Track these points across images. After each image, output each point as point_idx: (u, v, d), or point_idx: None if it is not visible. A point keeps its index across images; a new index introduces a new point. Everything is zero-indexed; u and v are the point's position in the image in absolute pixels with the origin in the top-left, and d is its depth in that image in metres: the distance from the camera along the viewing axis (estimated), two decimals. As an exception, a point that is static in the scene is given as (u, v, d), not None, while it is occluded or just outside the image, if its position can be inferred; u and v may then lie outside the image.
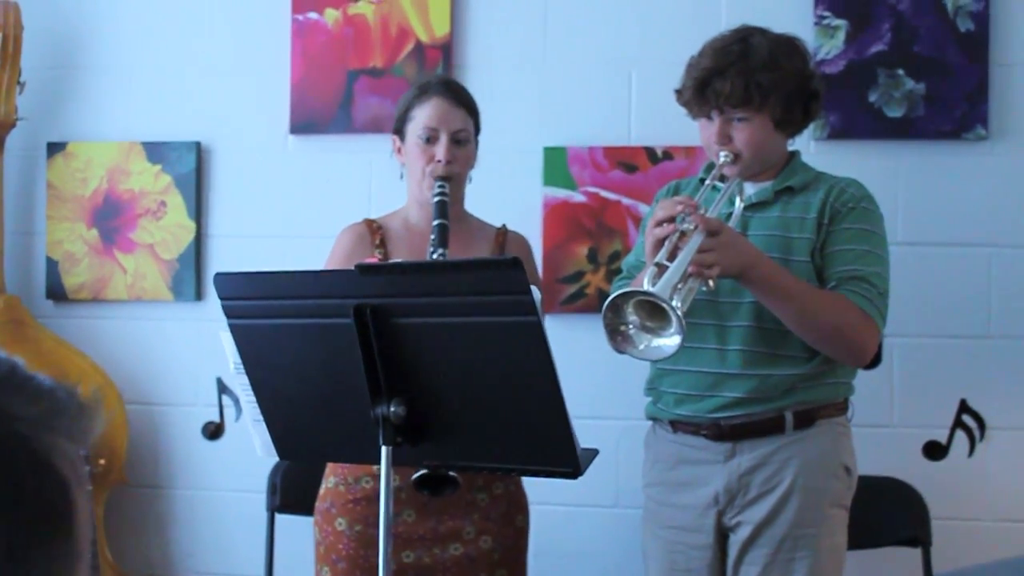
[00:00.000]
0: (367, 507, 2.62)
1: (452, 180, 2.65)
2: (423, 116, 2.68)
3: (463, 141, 2.69)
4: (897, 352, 3.25)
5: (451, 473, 2.27)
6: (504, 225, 2.83)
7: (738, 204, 2.53)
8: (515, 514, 2.70)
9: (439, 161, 2.65)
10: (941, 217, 3.29)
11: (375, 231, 2.77)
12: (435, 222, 2.55)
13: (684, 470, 2.58)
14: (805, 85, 2.55)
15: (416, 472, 2.25)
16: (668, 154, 3.38)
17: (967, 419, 3.24)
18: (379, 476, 2.56)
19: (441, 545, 2.62)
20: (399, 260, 2.65)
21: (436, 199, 2.59)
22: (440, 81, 2.76)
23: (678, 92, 2.61)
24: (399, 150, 2.76)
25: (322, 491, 2.72)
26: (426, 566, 2.61)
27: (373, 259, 2.68)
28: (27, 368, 0.77)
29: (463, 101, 2.72)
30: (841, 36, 3.32)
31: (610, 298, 2.23)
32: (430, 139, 2.67)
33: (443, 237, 2.51)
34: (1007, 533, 3.24)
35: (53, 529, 0.75)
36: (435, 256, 2.49)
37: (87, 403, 0.79)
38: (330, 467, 2.72)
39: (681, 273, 2.24)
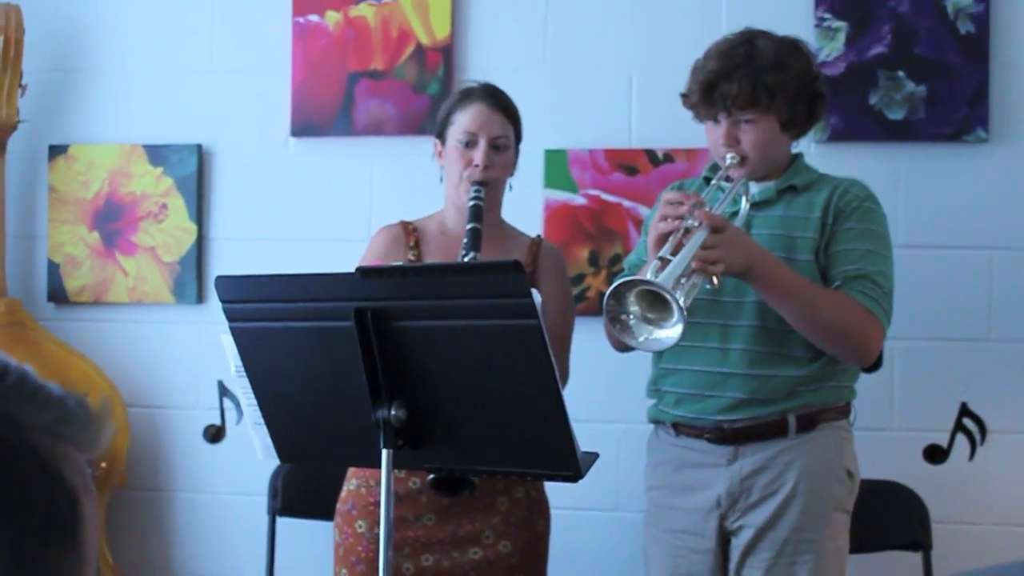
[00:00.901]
0: None
1: (489, 185, 2.65)
2: (463, 121, 2.68)
3: (502, 147, 2.69)
4: (898, 355, 3.24)
5: (469, 476, 2.27)
6: (539, 235, 2.84)
7: (744, 204, 2.53)
8: (536, 519, 2.69)
9: (476, 166, 2.65)
10: (942, 220, 3.29)
11: (410, 233, 2.78)
12: (468, 226, 2.55)
13: (686, 473, 2.58)
14: (810, 86, 2.56)
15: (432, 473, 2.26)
16: (669, 156, 3.38)
17: (968, 422, 3.24)
18: (400, 478, 2.60)
19: (460, 549, 2.62)
20: (397, 263, 2.65)
21: (471, 203, 2.60)
22: (483, 87, 2.76)
23: (684, 95, 2.61)
24: (440, 153, 2.76)
25: (343, 493, 2.72)
26: (445, 570, 2.61)
27: (375, 262, 2.68)
28: (37, 377, 0.77)
29: (504, 107, 2.72)
30: (841, 38, 3.32)
31: (613, 286, 2.23)
32: (469, 143, 2.67)
33: (476, 240, 2.52)
34: (1008, 537, 3.24)
35: (61, 537, 0.75)
36: (466, 259, 2.49)
37: (96, 412, 0.80)
38: (352, 470, 2.72)
39: (684, 267, 2.24)
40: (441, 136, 2.75)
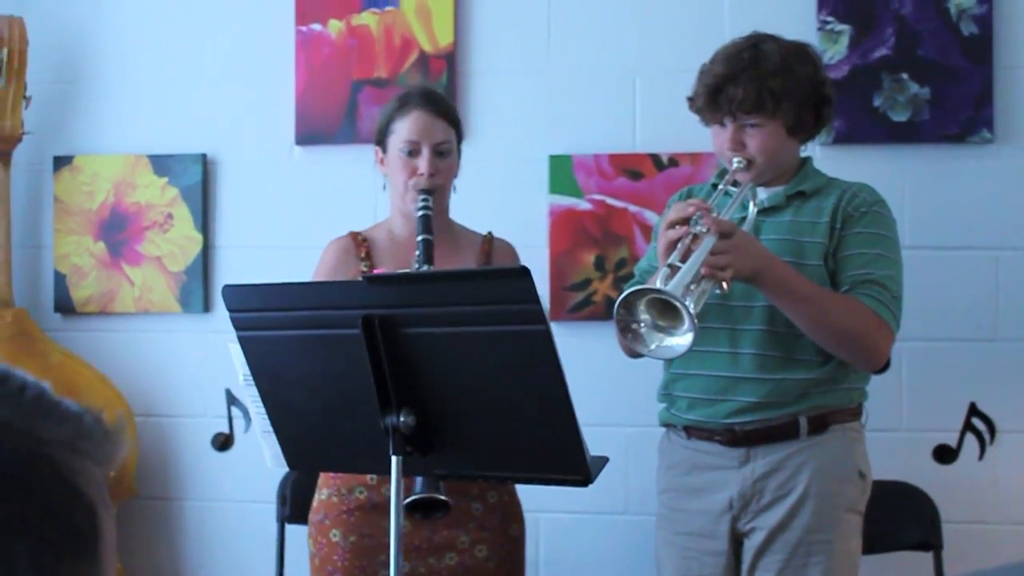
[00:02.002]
0: (361, 518, 2.63)
1: (435, 192, 2.65)
2: (404, 129, 2.67)
3: (445, 152, 2.69)
4: (906, 356, 3.24)
5: (441, 497, 2.26)
6: (490, 232, 2.83)
7: (751, 209, 2.53)
8: (510, 523, 2.70)
9: (422, 174, 2.65)
10: (947, 221, 3.29)
11: (360, 244, 2.77)
12: (419, 237, 2.55)
13: (698, 476, 2.58)
14: (817, 91, 2.56)
15: (408, 497, 2.26)
16: (674, 161, 3.38)
17: (977, 422, 3.24)
18: (373, 487, 2.60)
19: (436, 555, 2.62)
20: (404, 270, 2.65)
21: (420, 213, 2.59)
22: (420, 93, 2.75)
23: (690, 99, 2.61)
24: (382, 162, 2.76)
25: (315, 503, 2.72)
26: None
27: (382, 269, 2.68)
28: (54, 393, 0.78)
29: (444, 112, 2.72)
30: (845, 41, 3.32)
31: (623, 295, 2.23)
32: (412, 152, 2.67)
33: (428, 252, 2.52)
34: (1018, 536, 3.24)
35: (79, 552, 0.75)
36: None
37: (113, 428, 0.80)
38: (322, 478, 2.72)
39: (693, 273, 2.24)
40: (382, 144, 2.74)
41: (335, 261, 2.76)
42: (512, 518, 2.71)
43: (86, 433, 0.78)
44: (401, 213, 2.74)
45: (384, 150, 2.73)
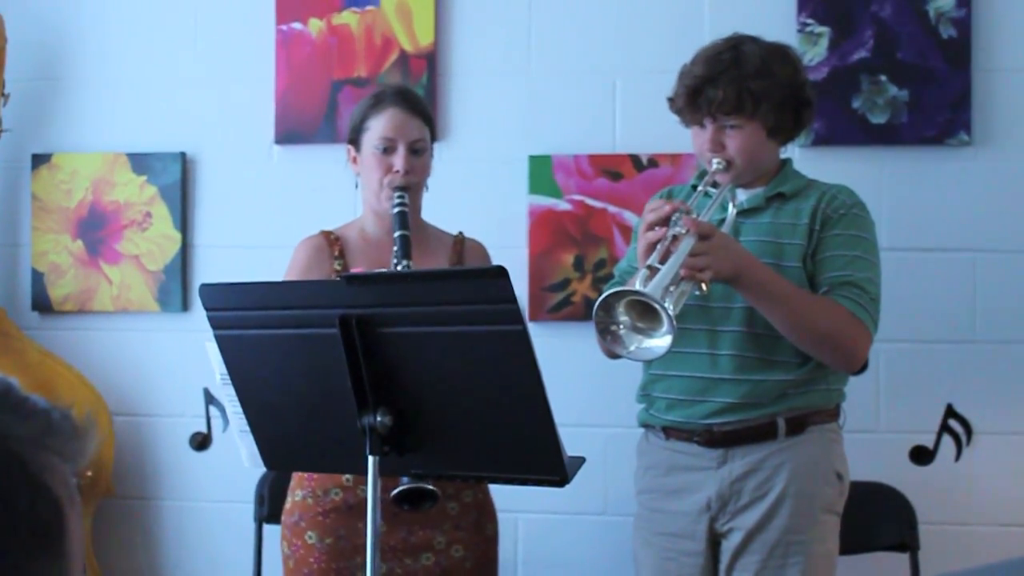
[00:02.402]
0: (337, 519, 2.62)
1: (410, 190, 2.65)
2: (379, 127, 2.67)
3: (420, 151, 2.69)
4: (883, 357, 3.26)
5: (430, 487, 2.26)
6: (461, 232, 2.83)
7: (731, 210, 2.53)
8: (485, 523, 2.71)
9: (397, 171, 2.65)
10: (925, 223, 3.30)
11: (333, 243, 2.77)
12: (396, 233, 2.55)
13: (676, 477, 2.58)
14: (797, 93, 2.56)
15: (396, 488, 2.25)
16: (653, 162, 3.39)
17: (954, 424, 3.26)
18: (348, 487, 2.60)
19: (413, 556, 2.62)
20: (381, 270, 2.64)
21: (396, 210, 2.59)
22: (395, 91, 2.75)
23: (671, 100, 2.62)
24: (354, 160, 2.75)
25: (288, 505, 2.71)
26: None
27: (360, 269, 2.68)
28: (21, 389, 0.77)
29: (419, 110, 2.72)
30: (824, 43, 3.33)
31: (601, 297, 2.23)
32: (387, 149, 2.67)
33: (406, 248, 2.52)
34: (995, 537, 3.25)
35: (45, 548, 0.75)
36: (399, 268, 2.49)
37: (81, 424, 0.80)
38: (295, 479, 2.71)
39: (672, 275, 2.25)
40: (355, 142, 2.74)
41: (307, 260, 2.75)
42: (487, 517, 2.71)
43: (53, 429, 0.78)
44: (374, 212, 2.73)
45: (357, 148, 2.73)
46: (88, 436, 0.80)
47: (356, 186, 2.77)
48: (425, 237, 2.76)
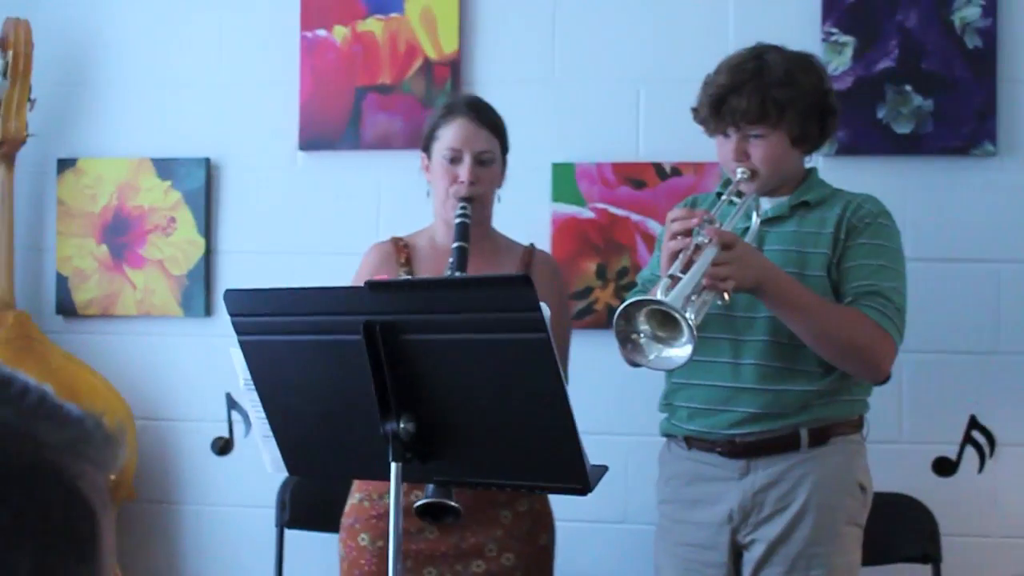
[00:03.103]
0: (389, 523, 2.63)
1: (475, 200, 2.65)
2: (447, 136, 2.68)
3: (487, 161, 2.69)
4: (906, 368, 3.24)
5: (452, 503, 2.26)
6: (532, 244, 2.83)
7: (755, 219, 2.53)
8: (539, 532, 2.69)
9: (462, 182, 2.65)
10: (950, 233, 3.29)
11: (401, 249, 2.78)
12: (454, 244, 2.56)
13: (698, 487, 2.58)
14: (821, 101, 2.56)
15: (418, 500, 2.26)
16: (676, 170, 3.38)
17: (977, 435, 3.24)
18: (404, 492, 2.59)
19: (463, 562, 2.62)
20: (405, 277, 2.65)
21: (458, 220, 2.60)
22: (466, 101, 2.76)
23: (694, 110, 2.61)
24: (426, 168, 2.76)
25: (348, 507, 2.73)
26: None
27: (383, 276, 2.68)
28: (56, 396, 0.78)
29: (488, 121, 2.72)
30: (849, 53, 3.32)
31: (622, 306, 2.23)
32: (454, 159, 2.67)
33: (462, 260, 2.52)
34: (1017, 550, 3.23)
35: (79, 555, 0.75)
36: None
37: (113, 432, 0.80)
38: (357, 483, 2.73)
39: (693, 284, 2.24)
40: (427, 150, 2.75)
41: (375, 265, 2.77)
42: (542, 527, 2.70)
43: (87, 437, 0.78)
44: (443, 220, 2.74)
45: (429, 156, 2.74)
46: (120, 444, 0.81)
47: (428, 194, 2.78)
48: (495, 247, 2.77)
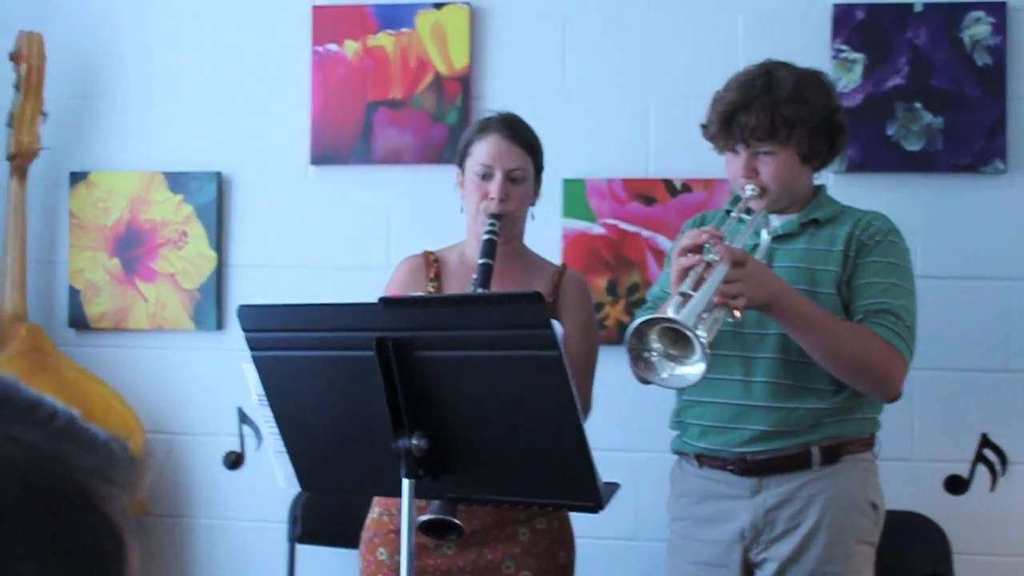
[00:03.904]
0: None
1: (505, 218, 2.64)
2: (480, 153, 2.69)
3: (519, 179, 2.68)
4: (917, 385, 3.24)
5: (455, 520, 2.26)
6: (564, 264, 2.84)
7: (764, 236, 2.53)
8: (557, 550, 2.67)
9: (492, 199, 2.66)
10: (960, 250, 3.29)
11: (431, 264, 2.78)
12: (480, 261, 2.55)
13: (710, 505, 2.57)
14: (830, 118, 2.56)
15: (422, 516, 2.26)
16: (687, 186, 3.39)
17: (988, 453, 3.22)
18: (421, 507, 2.59)
19: None
20: (417, 294, 2.66)
21: (485, 237, 2.59)
22: (501, 118, 2.75)
23: (704, 126, 2.62)
24: (461, 183, 2.77)
25: (367, 521, 2.73)
26: None
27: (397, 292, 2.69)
28: (83, 420, 0.79)
29: (521, 139, 2.71)
30: (859, 70, 3.33)
31: (634, 324, 2.22)
32: (485, 176, 2.68)
33: (485, 277, 2.51)
34: (1028, 568, 3.23)
35: None
36: None
37: (139, 455, 0.81)
38: (377, 498, 2.72)
39: (706, 302, 2.24)
40: (461, 165, 2.76)
41: (404, 279, 2.77)
42: (561, 545, 2.68)
43: (114, 460, 0.79)
44: (474, 236, 2.73)
45: (463, 172, 2.75)
46: (146, 467, 0.82)
47: (461, 209, 2.78)
48: (524, 265, 2.76)
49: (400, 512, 2.61)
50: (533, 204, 2.76)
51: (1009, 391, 3.26)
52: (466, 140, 2.75)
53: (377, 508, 2.70)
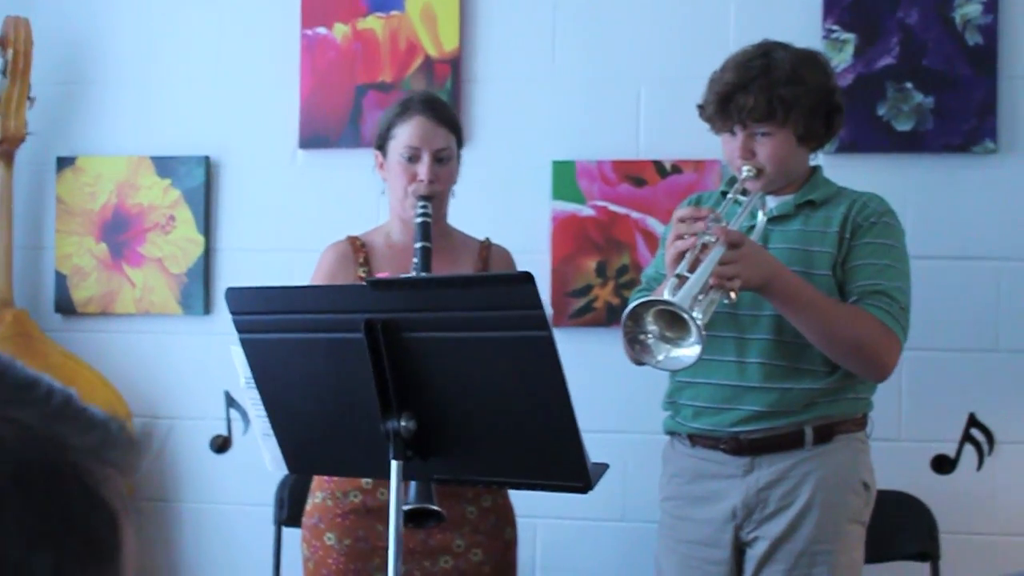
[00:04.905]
0: (356, 521, 2.63)
1: (434, 198, 2.65)
2: (405, 135, 2.67)
3: (445, 159, 2.69)
4: (905, 365, 3.22)
5: (436, 508, 2.26)
6: (487, 238, 2.83)
7: (760, 218, 2.52)
8: (504, 527, 2.70)
9: (421, 180, 2.65)
10: (950, 230, 3.29)
11: (359, 249, 2.77)
12: (417, 245, 2.55)
13: (702, 484, 2.57)
14: (827, 99, 2.55)
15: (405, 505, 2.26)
16: (677, 168, 3.38)
17: (976, 433, 3.24)
18: (368, 490, 2.61)
19: (431, 558, 2.62)
20: (408, 275, 2.64)
21: (419, 220, 2.59)
22: (422, 99, 2.74)
23: (700, 107, 2.61)
24: (381, 166, 2.75)
25: (309, 507, 2.72)
26: None
27: (385, 274, 2.68)
28: (80, 399, 0.77)
29: (445, 119, 2.71)
30: (850, 50, 3.32)
31: (630, 307, 2.22)
32: (412, 158, 2.67)
33: (426, 260, 2.52)
34: (1016, 547, 3.23)
35: (100, 561, 0.75)
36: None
37: (136, 437, 0.80)
38: (316, 481, 2.72)
39: (702, 284, 2.23)
40: (382, 148, 2.74)
41: (333, 266, 2.76)
42: (506, 522, 2.71)
43: (111, 441, 0.77)
44: (399, 218, 2.74)
45: (384, 155, 2.73)
46: (142, 449, 0.80)
47: (383, 192, 2.78)
48: (451, 243, 2.76)
49: (346, 496, 2.63)
50: (455, 183, 2.76)
51: (997, 371, 3.26)
52: (387, 122, 2.72)
53: (319, 493, 2.69)
